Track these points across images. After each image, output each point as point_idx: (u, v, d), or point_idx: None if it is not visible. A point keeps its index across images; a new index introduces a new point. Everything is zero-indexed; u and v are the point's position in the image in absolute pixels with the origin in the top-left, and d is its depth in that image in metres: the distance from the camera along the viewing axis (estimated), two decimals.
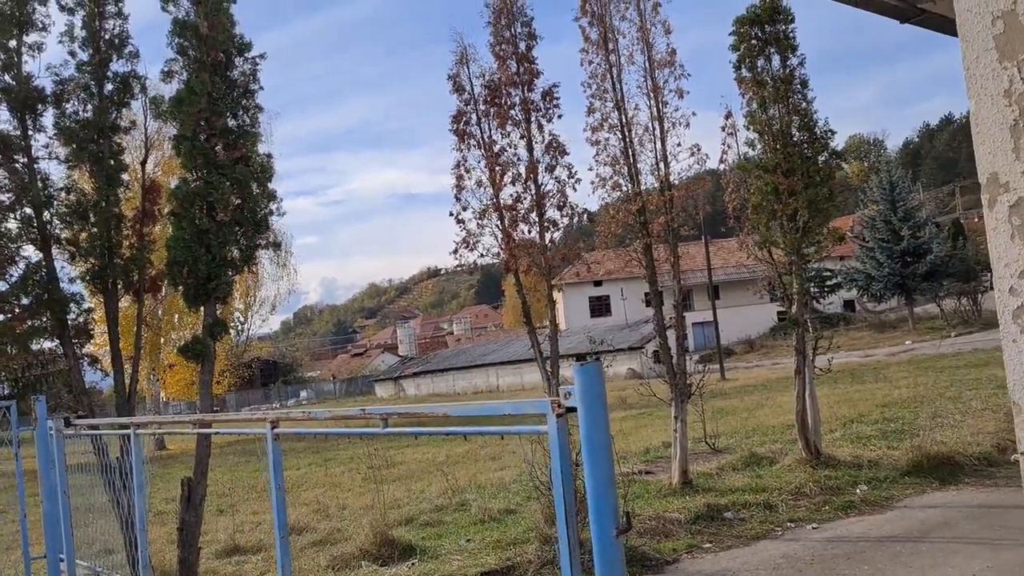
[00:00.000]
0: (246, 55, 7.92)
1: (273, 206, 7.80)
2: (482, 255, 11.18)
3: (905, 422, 16.08)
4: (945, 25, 4.49)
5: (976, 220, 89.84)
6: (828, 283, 54.18)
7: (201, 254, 7.45)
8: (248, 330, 42.23)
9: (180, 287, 7.64)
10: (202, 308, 7.73)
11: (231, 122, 7.85)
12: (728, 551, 8.86)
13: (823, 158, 11.84)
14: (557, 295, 79.73)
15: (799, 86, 11.93)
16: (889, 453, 12.81)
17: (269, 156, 7.91)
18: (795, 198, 11.60)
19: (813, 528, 9.50)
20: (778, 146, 11.79)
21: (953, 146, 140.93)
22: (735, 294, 60.54)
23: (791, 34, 12.00)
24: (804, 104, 11.93)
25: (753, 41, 12.03)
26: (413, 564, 9.00)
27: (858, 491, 10.96)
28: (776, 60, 12.07)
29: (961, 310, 49.78)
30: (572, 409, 2.85)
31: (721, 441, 15.55)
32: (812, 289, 45.11)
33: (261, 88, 8.02)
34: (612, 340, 54.77)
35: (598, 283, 70.30)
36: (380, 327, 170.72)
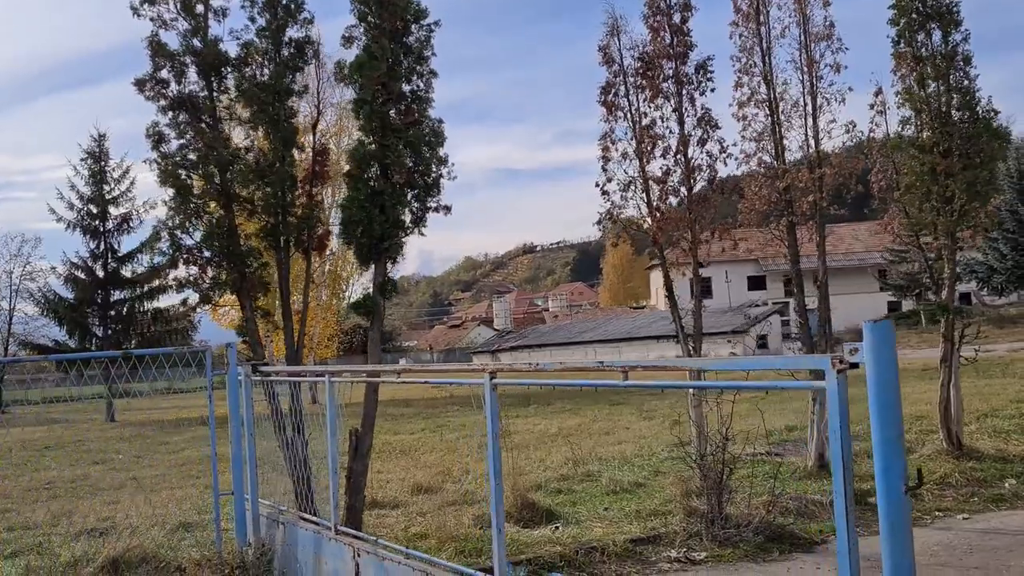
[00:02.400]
0: (422, 22, 8.09)
1: (444, 170, 7.98)
2: (626, 227, 11.18)
3: None
4: None
5: None
6: (933, 273, 52.10)
7: (375, 214, 7.69)
8: (348, 298, 43.28)
9: (353, 246, 7.93)
10: (373, 266, 8.00)
11: (406, 87, 8.05)
12: (876, 535, 8.69)
13: (984, 139, 11.36)
14: (656, 274, 79.14)
15: (961, 63, 11.45)
16: None
17: (440, 121, 8.10)
18: (952, 179, 11.19)
19: (964, 518, 9.24)
20: (936, 125, 11.37)
21: None
22: (845, 281, 58.82)
23: (955, 8, 11.51)
24: (966, 82, 11.45)
25: (914, 15, 11.59)
26: (557, 528, 9.16)
27: (1007, 485, 10.60)
28: (937, 35, 11.60)
29: None
30: (854, 365, 2.88)
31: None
32: (926, 280, 43.45)
33: (434, 54, 8.20)
34: (715, 324, 54.04)
35: (701, 265, 69.51)
36: (475, 301, 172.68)
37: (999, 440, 13.14)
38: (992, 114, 11.45)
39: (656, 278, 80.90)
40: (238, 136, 8.84)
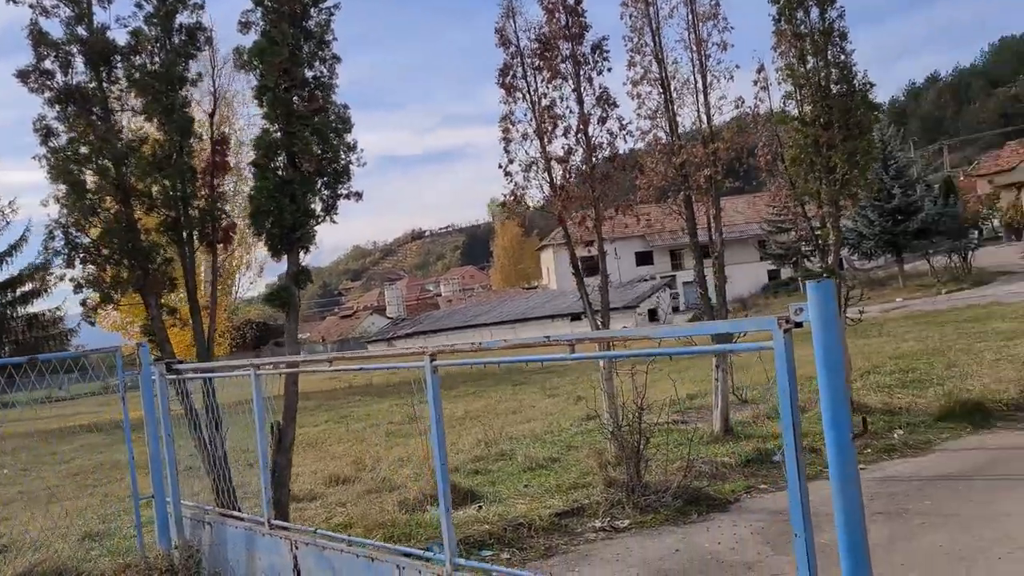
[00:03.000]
0: (321, 5, 7.94)
1: (353, 156, 7.89)
2: (529, 207, 11.32)
3: (922, 373, 16.50)
4: None
5: (963, 178, 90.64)
6: (818, 240, 54.73)
7: (286, 204, 7.55)
8: (236, 293, 42.16)
9: (263, 236, 7.76)
10: (286, 257, 7.85)
11: (308, 73, 7.90)
12: (783, 491, 9.06)
13: (861, 111, 11.98)
14: (547, 254, 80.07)
15: (838, 38, 12.02)
16: (916, 401, 13.18)
17: (346, 107, 7.99)
18: (834, 151, 11.76)
19: (860, 469, 9.80)
20: (817, 99, 11.92)
21: (939, 104, 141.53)
22: (727, 252, 60.97)
23: None
24: (843, 57, 12.04)
25: None
26: (480, 507, 9.25)
27: (895, 435, 11.31)
28: (815, 12, 12.13)
29: (952, 267, 50.48)
30: (798, 324, 3.04)
31: (746, 393, 15.87)
32: (804, 247, 45.55)
33: (335, 39, 8.07)
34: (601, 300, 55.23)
35: (587, 243, 70.76)
36: (366, 289, 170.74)
37: (884, 394, 13.99)
38: (868, 87, 12.08)
39: (547, 258, 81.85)
40: (132, 127, 8.48)
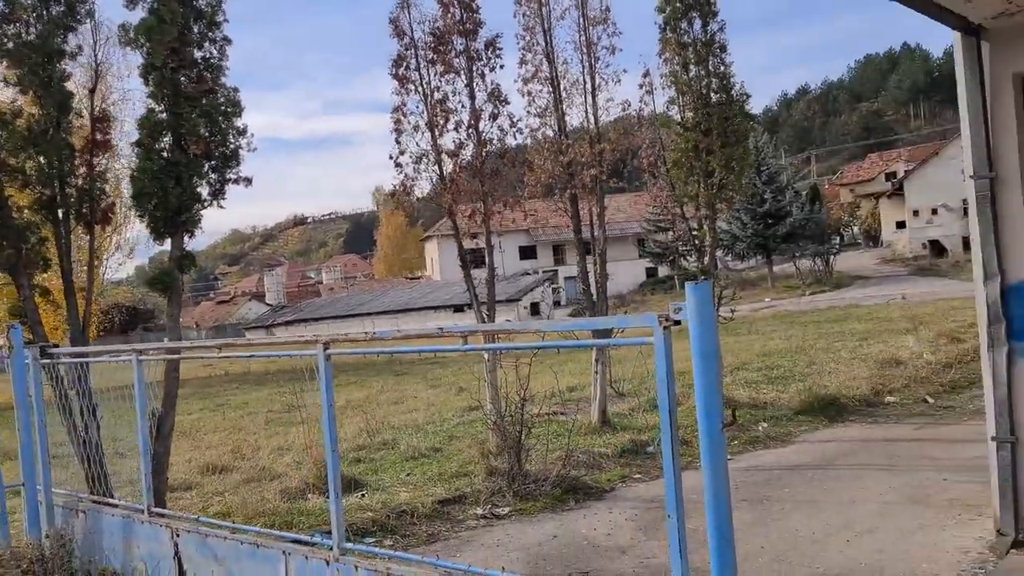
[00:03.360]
0: None
1: (243, 141, 7.78)
2: (418, 199, 11.40)
3: (785, 369, 17.48)
4: (925, 6, 5.10)
5: (828, 186, 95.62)
6: (695, 241, 56.85)
7: (171, 186, 7.38)
8: (103, 275, 40.27)
9: (146, 218, 7.56)
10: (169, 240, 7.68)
11: (198, 54, 7.74)
12: (656, 480, 9.60)
13: (738, 119, 12.60)
14: (432, 245, 79.93)
15: (719, 50, 12.59)
16: (780, 396, 13.98)
17: (236, 90, 7.87)
18: (712, 156, 12.33)
19: (729, 459, 10.36)
20: (698, 106, 12.46)
21: (809, 115, 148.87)
22: (607, 250, 62.39)
23: (712, 0, 12.64)
24: (723, 67, 12.62)
25: (678, 4, 12.57)
26: (363, 496, 9.29)
27: (760, 428, 12.00)
28: (698, 24, 12.67)
29: (815, 270, 53.37)
30: (677, 323, 3.29)
31: (623, 386, 16.42)
32: (680, 247, 47.25)
33: (227, 20, 7.93)
34: (479, 292, 55.60)
35: (474, 235, 71.09)
36: (244, 275, 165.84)
37: (751, 389, 14.76)
38: (744, 97, 12.72)
39: (431, 249, 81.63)
40: (4, 99, 8.11)
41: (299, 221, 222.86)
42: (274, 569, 4.88)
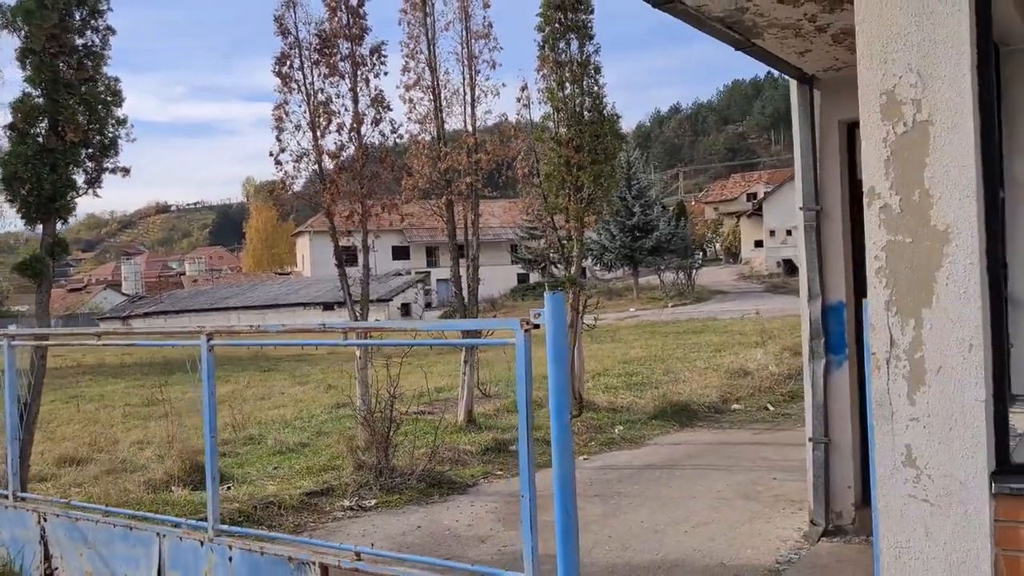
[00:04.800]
0: None
1: (123, 131, 7.80)
2: (296, 195, 11.55)
3: (644, 376, 18.46)
4: (768, 58, 5.80)
5: (694, 203, 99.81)
6: (564, 250, 58.40)
7: (45, 172, 7.34)
8: None
9: (18, 203, 7.48)
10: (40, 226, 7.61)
11: (79, 41, 7.71)
12: (516, 477, 10.01)
13: (609, 138, 13.34)
14: (303, 241, 78.65)
15: (593, 71, 13.30)
16: (636, 401, 14.82)
17: (117, 80, 7.89)
18: (583, 172, 13.01)
19: (584, 459, 11.01)
20: (572, 123, 13.12)
21: (679, 133, 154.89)
22: (481, 254, 63.17)
23: (590, 24, 13.34)
24: (596, 88, 13.34)
25: (557, 25, 13.22)
26: (229, 488, 9.38)
27: (616, 431, 12.73)
28: (575, 45, 13.35)
29: (678, 283, 55.77)
30: (536, 326, 3.75)
31: (490, 388, 16.93)
32: (551, 255, 48.49)
33: (111, 9, 7.93)
34: (354, 291, 55.24)
35: (348, 233, 70.33)
36: (99, 262, 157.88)
37: (610, 394, 15.58)
38: (616, 117, 13.49)
39: (302, 244, 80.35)
40: None
41: (162, 209, 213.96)
42: (147, 551, 5.05)
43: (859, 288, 6.45)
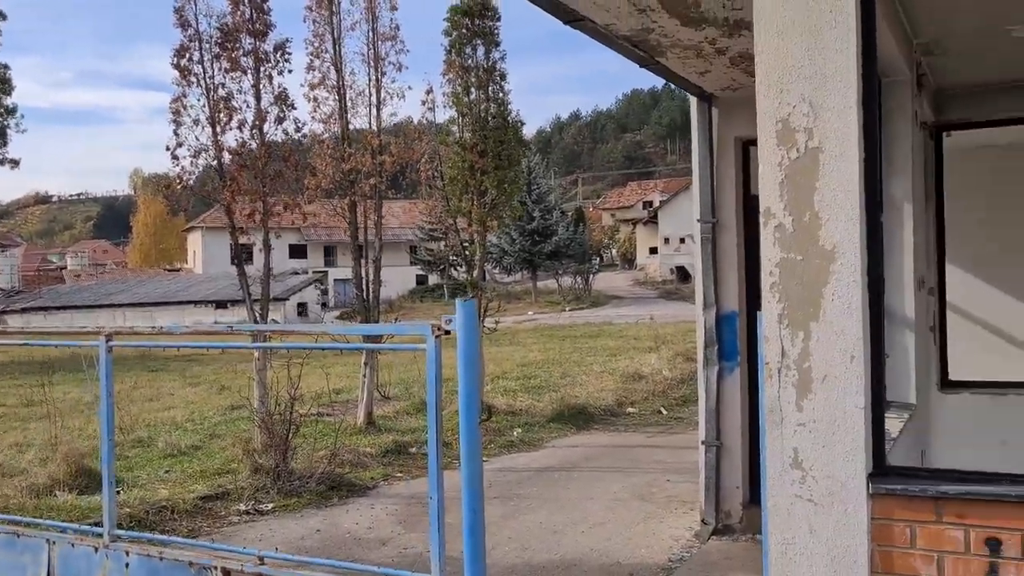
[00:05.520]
0: None
1: (12, 121, 7.47)
2: (192, 190, 11.29)
3: (542, 380, 18.73)
4: (671, 75, 6.05)
5: (592, 209, 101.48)
6: (466, 253, 58.56)
7: None
8: None
9: None
10: None
11: None
12: (417, 479, 10.15)
13: (512, 144, 13.51)
14: (195, 237, 76.18)
15: (499, 78, 13.47)
16: (535, 404, 15.04)
17: (6, 67, 7.56)
18: (487, 176, 13.15)
19: (484, 461, 11.08)
20: (476, 128, 13.24)
21: (579, 140, 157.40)
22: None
23: (496, 30, 13.50)
24: (501, 94, 13.51)
25: (464, 30, 13.33)
26: (119, 492, 9.08)
27: (515, 433, 12.90)
28: (481, 51, 13.48)
29: (576, 288, 56.66)
30: (447, 332, 3.83)
31: (389, 390, 16.87)
32: (452, 258, 48.52)
33: None
34: (252, 290, 53.88)
35: (241, 230, 68.58)
36: None
37: (509, 397, 15.75)
38: (519, 124, 13.68)
39: (194, 240, 77.83)
40: None
41: (42, 199, 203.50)
42: (36, 559, 4.86)
43: (751, 298, 6.79)
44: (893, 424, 4.18)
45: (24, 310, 60.50)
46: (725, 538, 6.99)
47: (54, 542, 4.86)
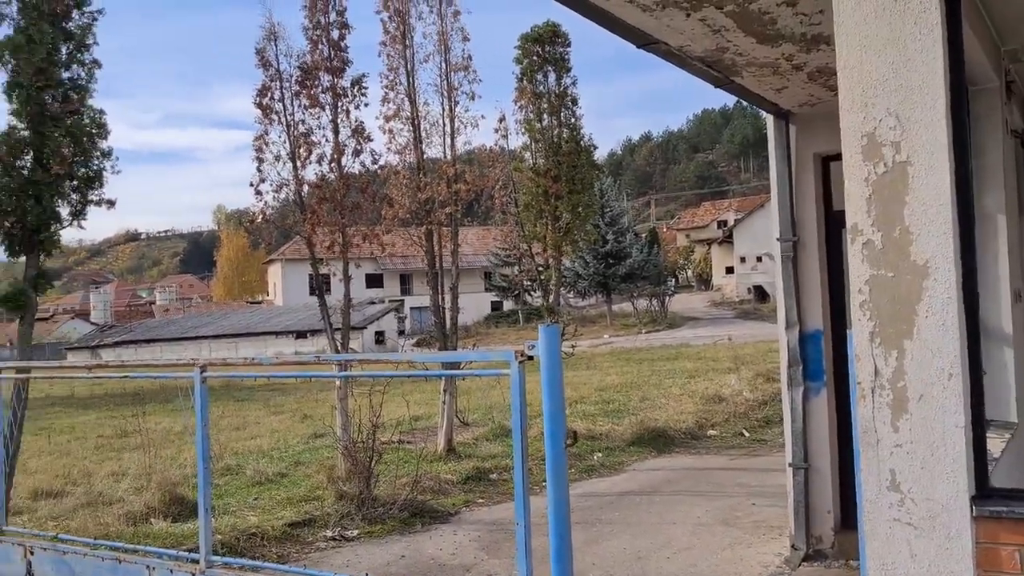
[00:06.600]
0: (84, 8, 7.86)
1: (108, 163, 7.85)
2: (279, 227, 11.60)
3: (620, 403, 18.56)
4: (746, 94, 6.00)
5: (666, 230, 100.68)
6: (541, 278, 58.72)
7: (30, 205, 7.37)
8: None
9: (1, 235, 7.48)
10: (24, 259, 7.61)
11: (65, 74, 7.78)
12: (499, 504, 10.17)
13: (585, 168, 13.57)
14: (275, 269, 78.15)
15: (571, 103, 13.58)
16: (614, 428, 14.91)
17: (102, 112, 7.95)
18: (561, 201, 13.22)
19: None
20: (550, 153, 13.34)
21: (650, 161, 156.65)
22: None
23: (567, 56, 13.63)
24: (574, 119, 13.60)
25: (535, 57, 13.49)
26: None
27: (595, 458, 12.81)
28: (552, 77, 13.62)
29: (651, 310, 56.13)
30: (530, 358, 3.85)
31: (469, 416, 16.96)
32: (526, 283, 48.72)
33: (97, 43, 8.01)
34: (336, 320, 54.98)
35: (321, 260, 70.11)
36: (66, 291, 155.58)
37: (588, 422, 15.65)
38: (592, 148, 13.74)
39: (274, 272, 79.84)
40: None
41: (131, 237, 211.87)
42: None
43: (836, 316, 6.63)
44: (994, 444, 4.02)
45: (117, 344, 62.90)
46: (817, 564, 6.79)
47: (154, 568, 5.02)
